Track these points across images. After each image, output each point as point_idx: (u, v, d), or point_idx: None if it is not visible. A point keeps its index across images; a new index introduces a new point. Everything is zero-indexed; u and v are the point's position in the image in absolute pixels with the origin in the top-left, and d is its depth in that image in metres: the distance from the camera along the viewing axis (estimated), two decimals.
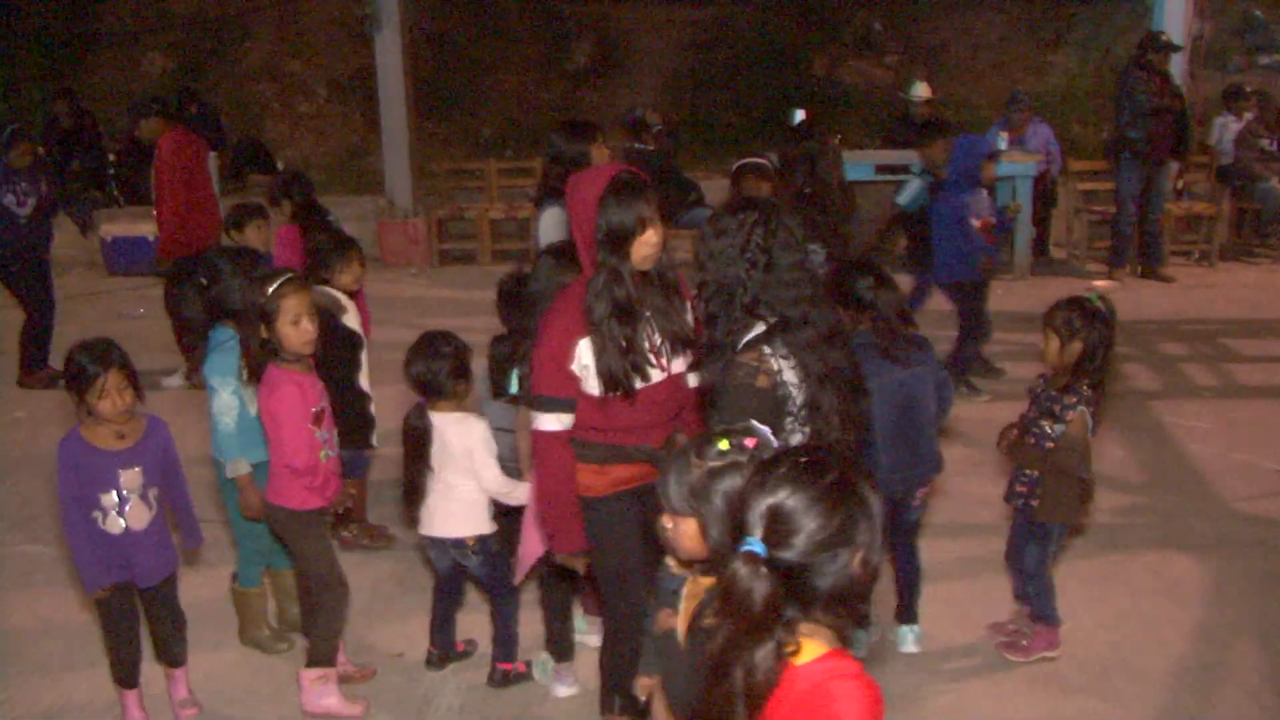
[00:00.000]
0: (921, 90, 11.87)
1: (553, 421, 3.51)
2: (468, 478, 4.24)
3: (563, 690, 4.40)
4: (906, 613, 4.63)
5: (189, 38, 16.25)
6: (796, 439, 3.20)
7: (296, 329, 4.04)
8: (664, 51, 15.81)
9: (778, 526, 2.02)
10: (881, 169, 10.71)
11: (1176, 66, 10.79)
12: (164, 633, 4.27)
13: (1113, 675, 4.46)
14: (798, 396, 3.17)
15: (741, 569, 2.01)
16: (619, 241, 3.38)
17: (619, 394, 3.46)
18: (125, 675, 4.21)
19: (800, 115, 10.75)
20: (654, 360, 3.51)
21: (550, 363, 3.47)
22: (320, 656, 4.32)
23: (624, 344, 3.42)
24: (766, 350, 3.16)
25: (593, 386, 3.48)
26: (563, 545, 3.63)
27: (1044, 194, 11.30)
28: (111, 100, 15.23)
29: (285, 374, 4.10)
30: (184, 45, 16.26)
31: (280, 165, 14.91)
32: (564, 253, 4.03)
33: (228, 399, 4.42)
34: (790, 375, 3.16)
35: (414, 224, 12.61)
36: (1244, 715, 4.23)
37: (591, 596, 4.68)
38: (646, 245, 3.42)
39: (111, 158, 13.55)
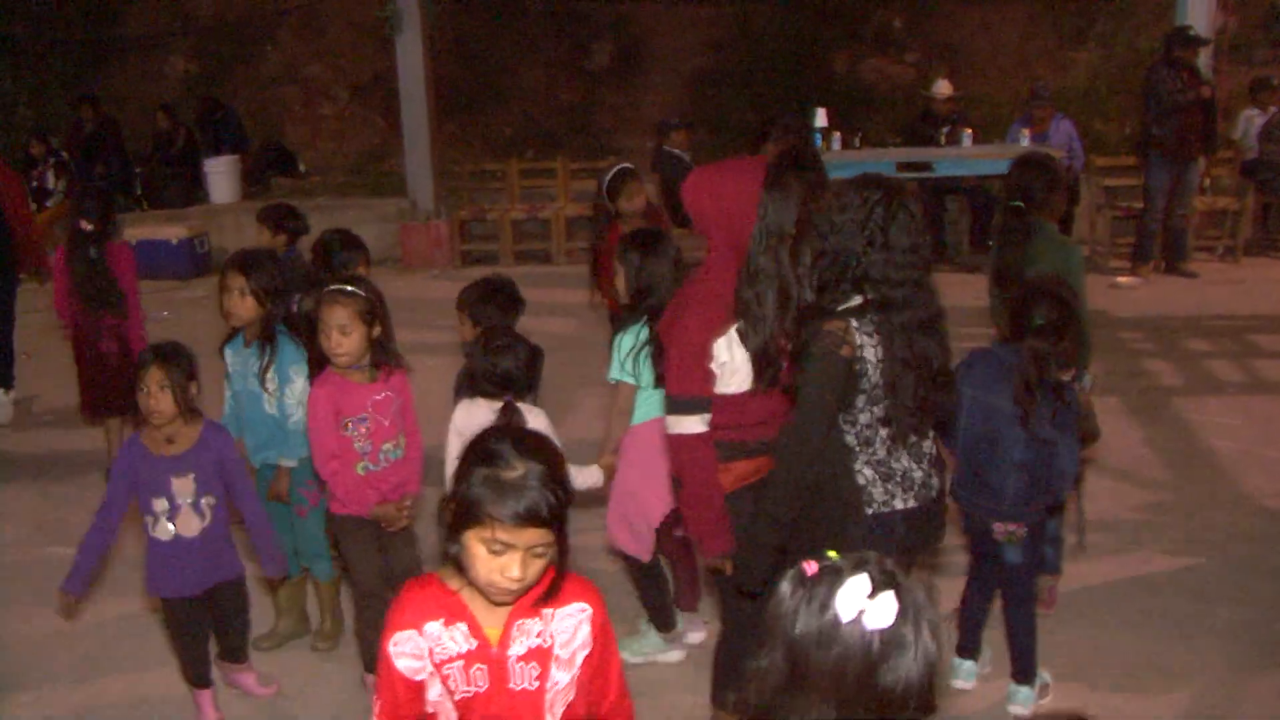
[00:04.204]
0: (943, 87, 11.85)
1: (697, 423, 3.46)
2: None
3: (675, 655, 4.57)
4: (1016, 670, 4.26)
5: (211, 42, 16.36)
6: (865, 417, 3.26)
7: (325, 339, 4.09)
8: (684, 51, 15.82)
9: None
10: (903, 167, 10.70)
11: (1203, 60, 10.72)
12: (226, 636, 4.34)
13: (1139, 673, 4.44)
14: (873, 375, 3.22)
15: None
16: (781, 232, 3.44)
17: (762, 382, 3.46)
18: (197, 676, 4.25)
19: (822, 115, 10.77)
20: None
21: (691, 362, 3.45)
22: (372, 663, 4.35)
23: (778, 330, 3.45)
24: (854, 323, 3.22)
25: (728, 384, 3.47)
26: (713, 548, 3.53)
27: (1067, 190, 11.26)
28: (135, 105, 15.35)
29: (327, 376, 4.16)
30: (206, 50, 16.37)
31: (302, 168, 15.03)
32: (646, 242, 4.22)
33: (304, 387, 4.48)
34: (870, 353, 3.22)
35: (436, 225, 12.65)
36: (1273, 713, 4.21)
37: (689, 593, 4.80)
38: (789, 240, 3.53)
39: (137, 171, 13.69)
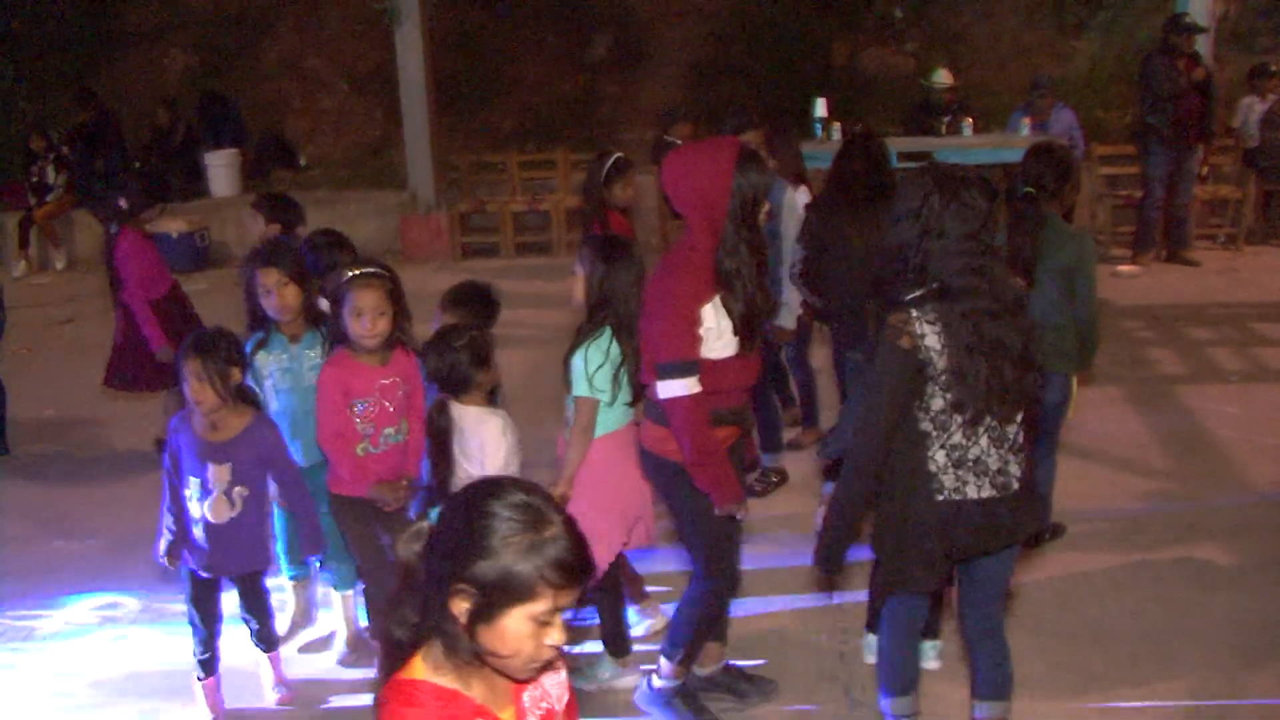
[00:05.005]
0: (943, 77, 11.81)
1: (694, 385, 3.65)
2: (475, 470, 4.16)
3: (631, 679, 4.42)
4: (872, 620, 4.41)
5: (210, 35, 16.31)
6: (937, 403, 3.29)
7: (356, 321, 4.10)
8: (684, 42, 15.77)
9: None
10: (903, 156, 10.67)
11: (1203, 47, 10.69)
12: (250, 623, 4.36)
13: (1141, 663, 4.44)
14: (938, 362, 3.25)
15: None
16: (755, 204, 3.67)
17: (745, 342, 3.70)
18: (202, 663, 4.27)
19: (822, 105, 10.74)
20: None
21: (681, 328, 3.63)
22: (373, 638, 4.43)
23: (756, 290, 3.71)
24: (914, 313, 3.27)
25: (712, 349, 3.67)
26: (728, 498, 3.75)
27: (1078, 182, 11.19)
28: (134, 99, 15.32)
29: (340, 356, 4.20)
30: (205, 43, 16.33)
31: (302, 161, 15.01)
32: (614, 251, 4.15)
33: None
34: (933, 340, 3.25)
35: (436, 218, 12.65)
36: (1275, 701, 4.21)
37: (635, 585, 4.78)
38: (765, 213, 3.76)
39: (137, 164, 13.67)
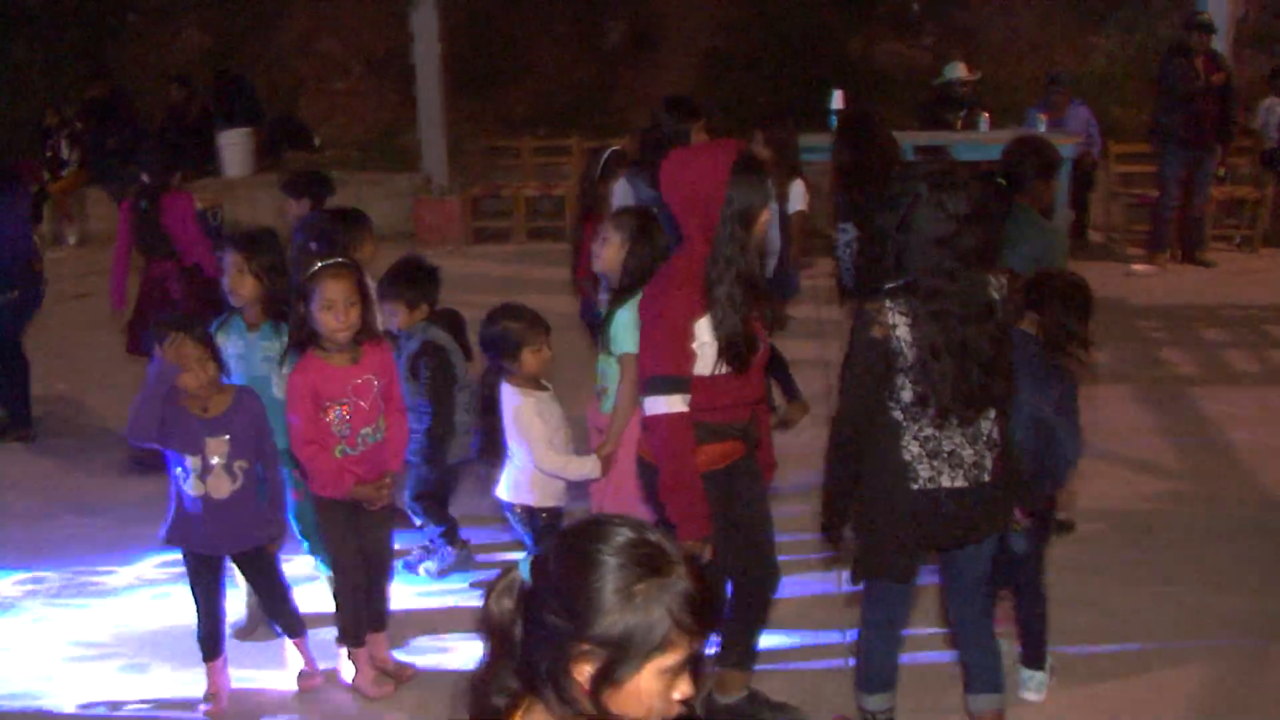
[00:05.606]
0: (959, 70, 11.76)
1: (679, 402, 3.46)
2: (519, 446, 4.22)
3: None
4: (1028, 656, 4.20)
5: (225, 15, 16.30)
6: (906, 395, 3.30)
7: (329, 314, 3.97)
8: (699, 31, 15.73)
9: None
10: (919, 150, 10.63)
11: (1223, 48, 10.61)
12: (264, 603, 4.34)
13: (1151, 663, 4.43)
14: (908, 354, 3.26)
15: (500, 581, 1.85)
16: (748, 218, 3.49)
17: (733, 367, 3.51)
18: (206, 646, 4.22)
19: (839, 98, 10.70)
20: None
21: (673, 342, 3.46)
22: (341, 634, 4.36)
23: (747, 315, 3.50)
24: (888, 304, 3.28)
25: (708, 364, 3.50)
26: (691, 531, 3.47)
27: (1083, 177, 11.17)
28: (148, 77, 15.31)
29: (309, 360, 4.07)
30: (220, 22, 16.32)
31: (317, 142, 14.99)
32: (647, 222, 4.20)
33: None
34: (904, 332, 3.26)
35: (449, 201, 12.65)
36: None
37: None
38: (764, 223, 3.59)
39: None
